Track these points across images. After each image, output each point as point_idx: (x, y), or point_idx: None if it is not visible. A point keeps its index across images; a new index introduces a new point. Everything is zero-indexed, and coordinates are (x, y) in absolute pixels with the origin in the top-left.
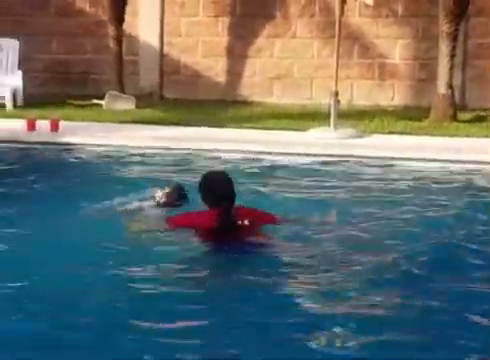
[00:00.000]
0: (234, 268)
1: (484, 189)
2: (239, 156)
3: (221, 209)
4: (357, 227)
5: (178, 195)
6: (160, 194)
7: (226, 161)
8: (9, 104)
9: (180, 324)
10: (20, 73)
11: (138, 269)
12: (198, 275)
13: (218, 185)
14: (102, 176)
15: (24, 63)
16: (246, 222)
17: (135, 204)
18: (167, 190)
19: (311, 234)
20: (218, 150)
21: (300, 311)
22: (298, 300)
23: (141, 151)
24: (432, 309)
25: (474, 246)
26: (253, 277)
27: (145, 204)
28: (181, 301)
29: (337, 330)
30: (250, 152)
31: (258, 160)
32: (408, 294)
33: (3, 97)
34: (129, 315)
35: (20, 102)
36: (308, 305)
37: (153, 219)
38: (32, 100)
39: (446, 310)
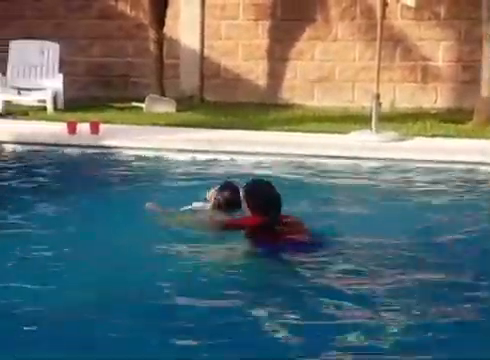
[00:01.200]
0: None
1: None
2: (279, 159)
3: (268, 218)
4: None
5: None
6: (213, 192)
7: (264, 165)
8: (50, 107)
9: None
10: (61, 76)
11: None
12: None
13: (268, 195)
14: (142, 178)
15: (65, 66)
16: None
17: (196, 205)
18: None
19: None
20: (258, 153)
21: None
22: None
23: (180, 154)
24: None
25: None
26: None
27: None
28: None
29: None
30: (291, 155)
31: (298, 163)
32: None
33: (44, 100)
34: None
35: (61, 105)
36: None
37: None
38: (72, 103)
39: None
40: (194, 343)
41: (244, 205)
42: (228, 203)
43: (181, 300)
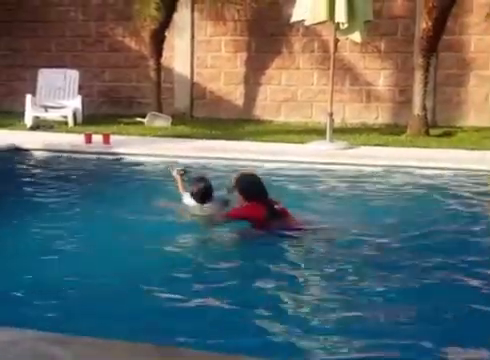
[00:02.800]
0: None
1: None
2: (253, 163)
3: (265, 201)
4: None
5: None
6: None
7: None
8: (71, 122)
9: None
10: (80, 97)
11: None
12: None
13: (258, 184)
14: (145, 178)
15: (83, 89)
16: (281, 206)
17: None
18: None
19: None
20: (237, 158)
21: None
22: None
23: (176, 159)
24: None
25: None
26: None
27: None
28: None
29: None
30: (262, 161)
31: (268, 166)
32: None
33: (66, 116)
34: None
35: (79, 120)
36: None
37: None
38: (89, 119)
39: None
40: (192, 326)
41: (239, 197)
42: (201, 193)
43: (185, 285)
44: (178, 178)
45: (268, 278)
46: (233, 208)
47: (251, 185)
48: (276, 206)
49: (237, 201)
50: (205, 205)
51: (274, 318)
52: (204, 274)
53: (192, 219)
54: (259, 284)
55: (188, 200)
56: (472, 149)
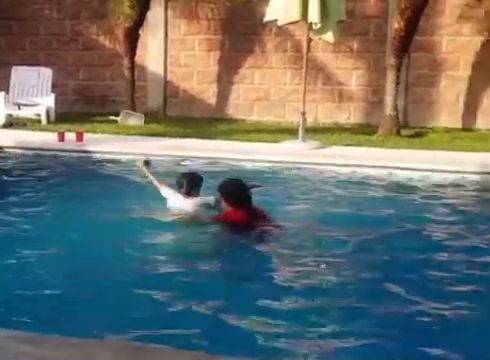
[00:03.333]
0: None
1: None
2: (225, 161)
3: (248, 207)
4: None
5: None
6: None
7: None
8: (44, 120)
9: None
10: (53, 95)
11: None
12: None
13: (241, 189)
14: (116, 175)
15: (57, 87)
16: (263, 213)
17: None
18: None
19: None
20: (209, 157)
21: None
22: None
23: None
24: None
25: None
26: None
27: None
28: None
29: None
30: (235, 159)
31: (241, 165)
32: None
33: (39, 114)
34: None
35: (53, 118)
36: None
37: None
38: (62, 117)
39: None
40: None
41: (223, 203)
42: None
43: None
44: (148, 172)
45: (247, 276)
46: (219, 213)
47: (235, 191)
48: (259, 212)
49: (221, 205)
50: (190, 200)
51: (252, 317)
52: (182, 273)
53: (174, 218)
54: (238, 284)
55: (169, 194)
56: (443, 150)
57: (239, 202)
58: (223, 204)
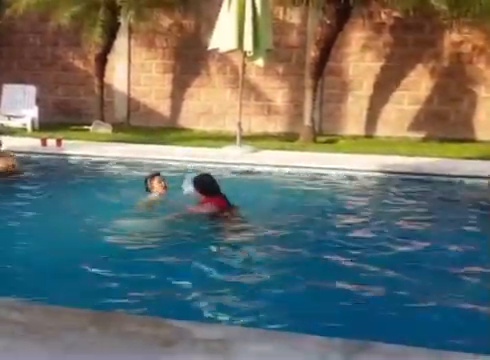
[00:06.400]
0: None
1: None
2: (177, 163)
3: (221, 196)
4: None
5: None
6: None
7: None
8: (29, 128)
9: None
10: (36, 108)
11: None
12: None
13: (213, 182)
14: (91, 175)
15: (40, 101)
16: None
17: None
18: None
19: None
20: (165, 159)
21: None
22: None
23: (116, 159)
24: None
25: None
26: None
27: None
28: None
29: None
30: (184, 161)
31: (190, 167)
32: None
33: (25, 124)
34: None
35: (37, 127)
36: None
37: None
38: (45, 126)
39: None
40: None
41: (198, 195)
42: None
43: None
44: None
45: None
46: (199, 204)
47: (209, 184)
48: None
49: (197, 198)
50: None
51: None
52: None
53: (150, 210)
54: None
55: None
56: (349, 153)
57: (213, 191)
58: (199, 196)
